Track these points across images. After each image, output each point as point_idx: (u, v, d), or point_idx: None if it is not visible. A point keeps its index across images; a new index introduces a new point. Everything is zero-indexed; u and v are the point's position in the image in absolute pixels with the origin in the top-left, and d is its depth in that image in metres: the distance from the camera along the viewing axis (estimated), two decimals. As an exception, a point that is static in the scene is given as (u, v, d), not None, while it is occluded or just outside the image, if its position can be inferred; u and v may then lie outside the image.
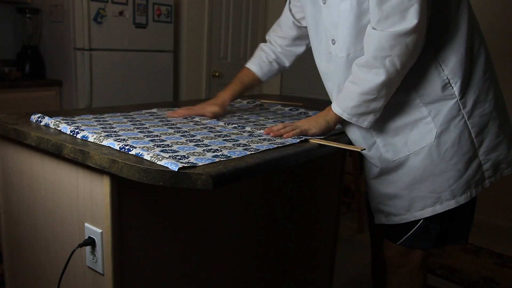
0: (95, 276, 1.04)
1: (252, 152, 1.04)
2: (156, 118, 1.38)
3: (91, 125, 1.19)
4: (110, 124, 1.24)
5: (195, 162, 0.92)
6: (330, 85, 1.35)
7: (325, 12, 1.27)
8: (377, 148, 1.29)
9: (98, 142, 1.01)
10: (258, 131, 1.28)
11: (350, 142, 1.33)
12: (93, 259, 1.03)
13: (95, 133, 1.08)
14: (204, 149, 1.03)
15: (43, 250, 1.19)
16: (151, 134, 1.15)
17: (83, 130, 1.09)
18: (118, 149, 0.97)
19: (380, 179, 1.33)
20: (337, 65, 1.27)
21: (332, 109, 1.26)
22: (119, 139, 1.05)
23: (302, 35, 1.56)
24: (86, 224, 1.03)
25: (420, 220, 1.28)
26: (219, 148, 1.05)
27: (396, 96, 1.21)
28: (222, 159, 0.96)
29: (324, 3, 1.26)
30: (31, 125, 1.16)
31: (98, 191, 0.99)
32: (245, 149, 1.06)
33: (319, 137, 1.24)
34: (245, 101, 1.87)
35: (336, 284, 2.20)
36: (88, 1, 2.63)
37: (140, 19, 2.94)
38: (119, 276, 1.01)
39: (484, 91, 1.21)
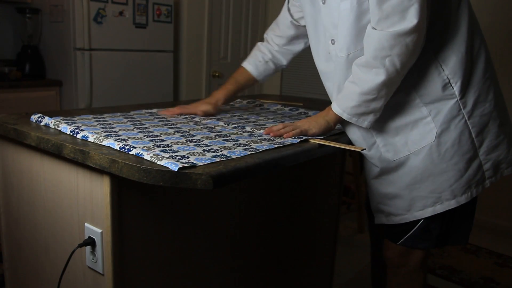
0: (95, 276, 1.04)
1: (252, 152, 1.04)
2: (156, 118, 1.38)
3: (91, 125, 1.19)
4: (110, 124, 1.24)
5: (195, 162, 0.92)
6: (329, 85, 1.35)
7: (324, 12, 1.27)
8: (377, 148, 1.29)
9: (98, 142, 1.01)
10: (258, 131, 1.28)
11: (350, 142, 1.33)
12: (93, 259, 1.02)
13: (95, 133, 1.08)
14: (204, 149, 1.03)
15: (43, 250, 1.19)
16: (151, 134, 1.15)
17: (83, 130, 1.09)
18: (118, 149, 0.97)
19: (380, 179, 1.33)
20: (337, 65, 1.27)
21: (332, 109, 1.26)
22: (119, 139, 1.05)
23: (300, 34, 1.56)
24: (86, 224, 1.03)
25: (420, 220, 1.28)
26: (219, 148, 1.05)
27: (396, 96, 1.21)
28: (222, 159, 0.96)
29: (324, 3, 1.26)
30: (31, 125, 1.16)
31: (98, 191, 0.99)
32: (245, 149, 1.06)
33: (319, 137, 1.24)
34: (245, 101, 1.87)
35: (336, 284, 2.20)
36: (88, 1, 2.63)
37: (140, 19, 2.94)
38: (119, 276, 1.01)
39: (484, 91, 1.21)
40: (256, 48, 1.62)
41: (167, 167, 0.86)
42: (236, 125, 1.34)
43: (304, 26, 1.49)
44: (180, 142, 1.09)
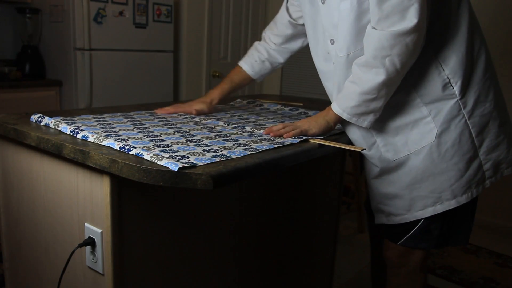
0: (95, 276, 1.04)
1: (252, 152, 1.04)
2: (156, 118, 1.38)
3: (91, 125, 1.19)
4: (110, 124, 1.24)
5: (195, 162, 0.92)
6: (329, 85, 1.35)
7: (323, 12, 1.27)
8: (377, 148, 1.29)
9: (98, 142, 1.01)
10: (258, 131, 1.28)
11: (350, 142, 1.33)
12: (93, 259, 1.02)
13: (95, 133, 1.08)
14: (204, 149, 1.03)
15: (43, 250, 1.19)
16: (151, 134, 1.15)
17: (83, 130, 1.09)
18: (118, 149, 0.97)
19: (381, 179, 1.33)
20: (337, 65, 1.27)
21: (332, 109, 1.26)
22: (119, 139, 1.05)
23: (298, 33, 1.56)
24: (86, 224, 1.03)
25: (420, 220, 1.28)
26: (219, 148, 1.05)
27: (396, 96, 1.21)
28: (222, 159, 0.96)
29: (323, 3, 1.26)
30: (31, 125, 1.16)
31: (98, 191, 0.99)
32: (245, 149, 1.06)
33: (319, 137, 1.24)
34: (245, 101, 1.87)
35: (336, 284, 2.20)
36: (88, 1, 2.63)
37: (140, 19, 2.94)
38: (119, 276, 1.01)
39: (484, 90, 1.21)
40: (253, 47, 1.62)
41: (167, 167, 0.86)
42: (236, 125, 1.34)
43: (302, 24, 1.50)
44: (180, 142, 1.09)
